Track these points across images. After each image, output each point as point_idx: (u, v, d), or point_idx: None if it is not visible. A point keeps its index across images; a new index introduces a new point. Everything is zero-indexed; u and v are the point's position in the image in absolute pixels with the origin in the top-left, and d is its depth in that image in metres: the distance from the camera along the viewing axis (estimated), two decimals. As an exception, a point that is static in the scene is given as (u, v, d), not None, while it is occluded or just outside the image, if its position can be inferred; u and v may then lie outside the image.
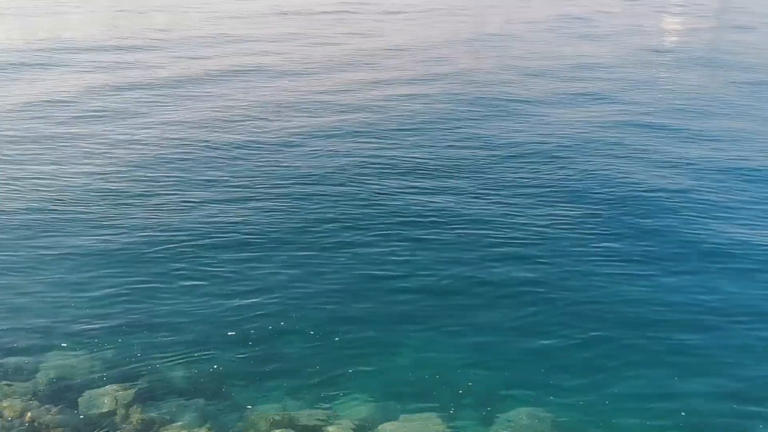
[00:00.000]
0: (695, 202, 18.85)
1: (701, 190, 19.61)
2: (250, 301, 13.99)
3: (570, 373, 12.12)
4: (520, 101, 28.89)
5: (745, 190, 19.75)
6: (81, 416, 10.94)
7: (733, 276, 15.24)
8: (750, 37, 46.81)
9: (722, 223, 17.58)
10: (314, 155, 22.00)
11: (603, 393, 11.64)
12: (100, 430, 10.67)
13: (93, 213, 17.76)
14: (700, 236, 16.93)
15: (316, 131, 24.36)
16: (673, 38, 47.76)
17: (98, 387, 11.52)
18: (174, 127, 24.62)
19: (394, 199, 18.65)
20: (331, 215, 17.62)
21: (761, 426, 11.02)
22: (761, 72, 35.46)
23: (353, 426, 10.84)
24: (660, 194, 19.31)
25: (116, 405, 11.14)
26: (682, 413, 11.22)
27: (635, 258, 15.88)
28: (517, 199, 18.80)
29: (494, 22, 51.04)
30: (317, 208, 18.03)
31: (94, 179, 19.82)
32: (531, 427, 10.91)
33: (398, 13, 54.31)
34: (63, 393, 11.44)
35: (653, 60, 38.28)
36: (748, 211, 18.39)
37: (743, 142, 23.99)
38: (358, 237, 16.54)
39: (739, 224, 17.62)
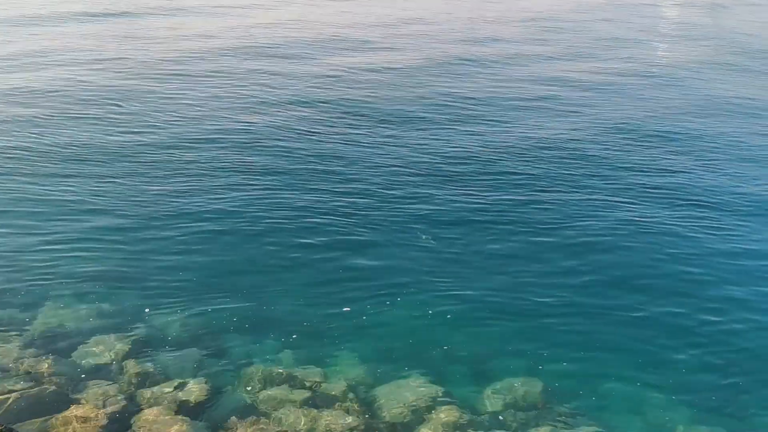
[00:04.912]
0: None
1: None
2: (248, 258, 14.14)
3: (563, 340, 12.27)
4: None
5: None
6: (76, 366, 11.03)
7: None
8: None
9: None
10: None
11: (595, 359, 11.82)
12: (96, 380, 10.74)
13: (98, 168, 17.92)
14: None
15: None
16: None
17: (94, 338, 11.62)
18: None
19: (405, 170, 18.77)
20: (340, 187, 17.72)
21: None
22: None
23: (346, 385, 10.97)
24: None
25: (112, 356, 11.23)
26: (671, 380, 11.41)
27: (629, 227, 16.07)
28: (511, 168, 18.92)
29: None
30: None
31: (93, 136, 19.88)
32: (522, 393, 11.06)
33: None
34: (58, 343, 11.53)
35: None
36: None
37: None
38: (348, 200, 16.66)
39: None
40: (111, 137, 20.06)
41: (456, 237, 15.38)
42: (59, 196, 16.31)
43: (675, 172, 19.44)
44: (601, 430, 10.45)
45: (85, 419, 9.85)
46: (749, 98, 27.32)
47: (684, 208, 17.24)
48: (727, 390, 11.33)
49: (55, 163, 18.10)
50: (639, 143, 21.67)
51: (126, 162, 18.34)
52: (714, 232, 16.09)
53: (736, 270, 14.67)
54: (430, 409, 10.64)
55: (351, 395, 10.80)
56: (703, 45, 37.72)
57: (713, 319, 13.01)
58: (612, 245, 15.33)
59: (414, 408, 10.60)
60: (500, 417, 10.62)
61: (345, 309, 12.70)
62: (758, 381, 11.52)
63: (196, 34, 34.92)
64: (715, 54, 35.37)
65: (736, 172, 19.67)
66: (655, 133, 22.64)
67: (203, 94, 24.54)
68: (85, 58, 28.80)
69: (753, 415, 10.89)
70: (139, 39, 33.06)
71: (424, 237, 15.07)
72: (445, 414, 10.50)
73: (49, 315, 12.17)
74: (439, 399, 10.85)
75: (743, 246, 15.57)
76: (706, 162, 20.40)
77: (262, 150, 19.62)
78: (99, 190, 16.60)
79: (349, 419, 10.24)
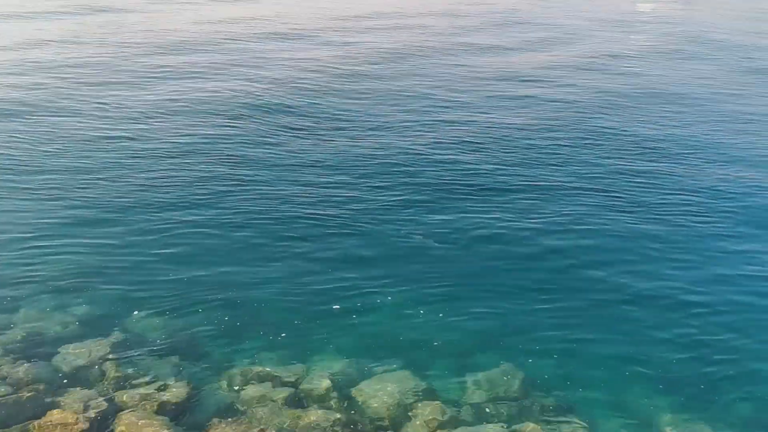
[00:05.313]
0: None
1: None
2: (233, 257, 14.00)
3: (543, 332, 12.31)
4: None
5: None
6: (56, 371, 10.84)
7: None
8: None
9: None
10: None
11: (573, 354, 11.83)
12: (76, 384, 10.57)
13: (78, 164, 17.71)
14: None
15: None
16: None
17: (72, 343, 11.42)
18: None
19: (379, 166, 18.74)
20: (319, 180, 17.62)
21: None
22: None
23: (328, 382, 10.88)
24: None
25: (91, 360, 11.05)
26: (655, 368, 11.51)
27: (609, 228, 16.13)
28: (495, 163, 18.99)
29: None
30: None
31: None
32: (504, 384, 11.07)
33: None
34: (37, 348, 11.31)
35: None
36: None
37: None
38: (326, 203, 16.53)
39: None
40: (90, 133, 19.91)
41: (443, 232, 15.37)
42: (38, 194, 16.09)
43: (657, 157, 19.88)
44: (584, 419, 10.48)
45: (65, 424, 9.69)
46: (696, 87, 28.07)
47: (667, 194, 17.51)
48: (710, 375, 11.44)
49: (33, 158, 17.91)
50: (614, 129, 21.99)
51: (106, 160, 18.15)
52: (697, 220, 16.34)
53: (721, 258, 14.89)
54: (414, 404, 10.58)
55: (335, 392, 10.71)
56: (666, 36, 38.37)
57: (697, 307, 13.13)
58: (594, 238, 15.44)
59: (398, 403, 10.55)
60: (486, 409, 10.61)
61: (335, 307, 12.60)
62: (740, 366, 11.66)
63: (170, 29, 34.77)
64: (674, 44, 36.10)
65: (709, 157, 20.07)
66: (635, 118, 23.09)
67: (183, 90, 24.39)
68: (62, 51, 28.63)
69: (733, 399, 11.01)
70: (113, 34, 32.87)
71: (404, 232, 15.06)
72: (429, 408, 10.46)
73: (27, 319, 11.96)
74: (423, 394, 10.80)
75: (727, 233, 15.85)
76: (681, 147, 20.82)
77: (248, 148, 19.49)
78: (79, 190, 16.39)
79: (333, 416, 10.15)
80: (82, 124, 20.57)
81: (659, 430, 10.44)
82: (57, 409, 9.95)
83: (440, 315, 12.58)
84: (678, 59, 33.24)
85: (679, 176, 18.79)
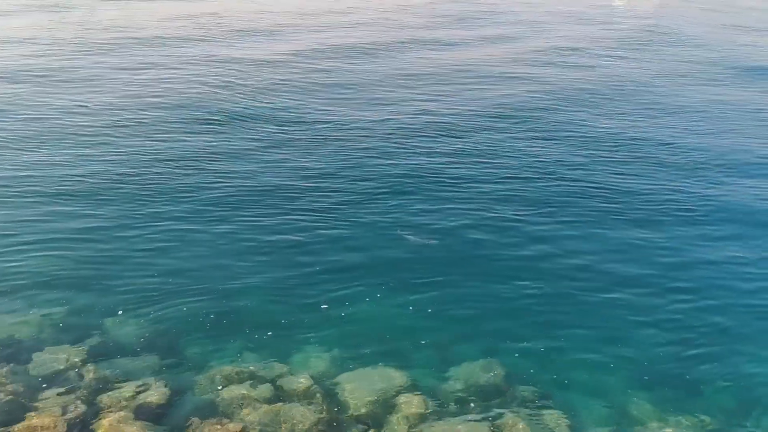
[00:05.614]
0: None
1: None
2: (218, 257, 13.89)
3: (523, 325, 12.39)
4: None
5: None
6: (34, 375, 10.72)
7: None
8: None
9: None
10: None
11: (555, 344, 11.93)
12: (55, 387, 10.46)
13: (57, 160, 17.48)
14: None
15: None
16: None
17: (50, 346, 11.31)
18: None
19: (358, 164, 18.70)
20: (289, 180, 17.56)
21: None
22: None
23: (311, 379, 10.87)
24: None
25: (69, 363, 10.95)
26: (632, 359, 11.64)
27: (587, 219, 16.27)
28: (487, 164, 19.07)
29: None
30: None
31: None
32: (485, 377, 11.13)
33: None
34: (14, 351, 11.19)
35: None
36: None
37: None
38: (311, 197, 16.52)
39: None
40: (67, 130, 19.71)
41: (425, 224, 15.44)
42: (15, 192, 15.91)
43: (636, 147, 20.13)
44: (564, 410, 10.58)
45: (44, 428, 9.62)
46: (671, 80, 28.44)
47: (647, 182, 17.72)
48: (691, 360, 11.65)
49: (11, 156, 17.66)
50: (592, 121, 22.13)
51: (86, 157, 17.93)
52: (676, 208, 16.56)
53: (700, 244, 15.11)
54: (397, 398, 10.63)
55: (318, 389, 10.70)
56: (639, 31, 38.75)
57: (677, 293, 13.36)
58: (576, 231, 15.52)
59: (381, 398, 10.59)
60: (469, 402, 10.68)
61: (323, 306, 12.55)
62: (720, 351, 11.87)
63: (144, 26, 34.49)
64: (646, 39, 36.50)
65: (687, 147, 20.36)
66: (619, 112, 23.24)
67: (161, 86, 24.17)
68: (41, 50, 28.32)
69: (714, 383, 11.22)
70: (86, 31, 32.56)
71: (399, 232, 15.07)
72: (412, 402, 10.52)
73: (3, 320, 11.81)
74: (406, 388, 10.85)
75: (707, 220, 16.12)
76: (659, 138, 21.06)
77: (228, 142, 19.38)
78: (56, 188, 16.21)
79: (316, 413, 10.15)
80: (59, 122, 20.31)
81: (641, 417, 10.56)
82: (36, 413, 9.86)
83: (423, 308, 12.64)
84: (650, 53, 33.50)
85: (658, 165, 19.01)
